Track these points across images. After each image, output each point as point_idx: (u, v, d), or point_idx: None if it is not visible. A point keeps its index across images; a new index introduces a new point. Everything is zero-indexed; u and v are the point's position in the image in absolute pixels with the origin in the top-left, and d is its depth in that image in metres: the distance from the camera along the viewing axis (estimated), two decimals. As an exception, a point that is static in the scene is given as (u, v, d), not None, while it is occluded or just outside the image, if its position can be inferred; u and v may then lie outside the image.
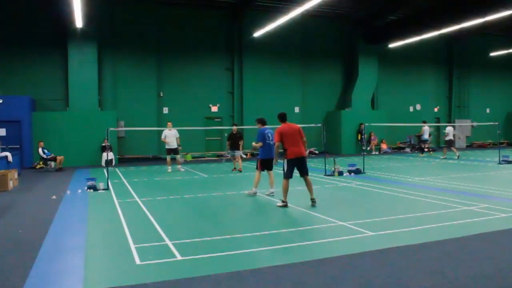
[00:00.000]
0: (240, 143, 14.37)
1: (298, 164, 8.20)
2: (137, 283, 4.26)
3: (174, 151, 14.83)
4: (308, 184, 8.28)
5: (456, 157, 18.60)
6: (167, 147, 14.84)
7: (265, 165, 9.52)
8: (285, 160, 8.24)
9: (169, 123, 15.10)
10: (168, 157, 14.92)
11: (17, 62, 18.20)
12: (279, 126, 8.32)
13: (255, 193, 9.51)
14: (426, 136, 20.83)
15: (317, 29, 22.97)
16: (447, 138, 19.09)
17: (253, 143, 9.72)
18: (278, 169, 15.10)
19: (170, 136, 14.74)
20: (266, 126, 9.67)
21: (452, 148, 19.06)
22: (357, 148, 22.78)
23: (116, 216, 7.54)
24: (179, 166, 15.28)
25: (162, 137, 14.90)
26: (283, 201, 8.21)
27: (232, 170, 14.71)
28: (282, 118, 8.45)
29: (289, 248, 5.48)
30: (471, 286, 4.15)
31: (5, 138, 16.23)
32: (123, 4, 19.56)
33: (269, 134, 9.47)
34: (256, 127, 9.77)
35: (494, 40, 26.80)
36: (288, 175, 8.21)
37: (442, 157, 19.01)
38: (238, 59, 21.69)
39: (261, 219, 7.44)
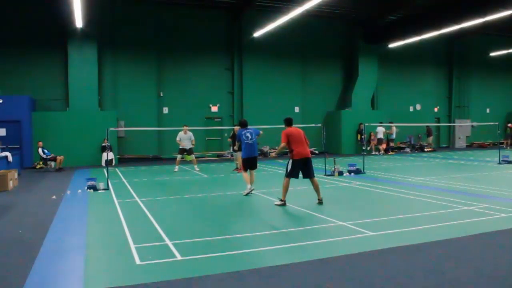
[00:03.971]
0: None
1: (303, 165, 8.27)
2: (137, 283, 4.26)
3: (187, 151, 14.88)
4: (315, 186, 8.39)
5: (378, 152, 21.86)
6: (180, 147, 14.88)
7: (248, 163, 9.72)
8: (290, 161, 8.28)
9: (185, 127, 15.01)
10: (179, 157, 14.91)
11: (17, 62, 18.18)
12: (285, 129, 8.45)
13: (251, 189, 9.61)
14: (380, 136, 21.89)
15: (317, 29, 22.96)
16: (377, 137, 21.69)
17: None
18: (280, 169, 15.11)
19: (185, 139, 14.83)
20: (249, 127, 9.96)
21: (381, 146, 21.89)
22: (357, 148, 22.78)
23: (116, 216, 7.54)
24: (195, 166, 15.28)
25: (177, 139, 14.93)
26: (281, 200, 8.27)
27: (233, 170, 14.72)
28: (289, 122, 8.63)
29: (289, 248, 5.48)
30: (471, 286, 4.15)
31: (5, 138, 16.21)
32: (123, 5, 19.56)
33: (248, 134, 9.69)
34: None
35: (494, 40, 26.79)
36: (290, 175, 8.26)
37: (379, 153, 21.81)
38: (238, 59, 21.69)
39: (261, 219, 7.44)
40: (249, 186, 9.63)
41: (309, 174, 8.35)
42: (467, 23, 18.50)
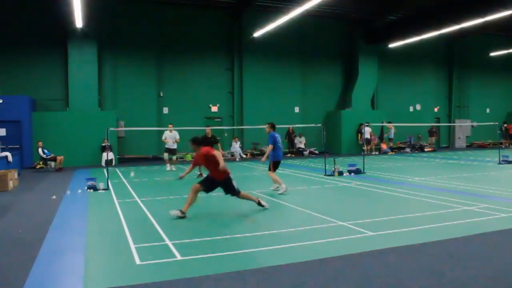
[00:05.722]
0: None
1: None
2: (137, 283, 4.26)
3: (171, 151, 15.22)
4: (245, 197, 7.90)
5: (379, 152, 22.35)
6: (166, 146, 15.22)
7: (277, 165, 9.98)
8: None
9: (170, 125, 15.53)
10: (165, 156, 15.27)
11: (17, 62, 18.19)
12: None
13: (286, 189, 9.66)
14: (367, 136, 22.06)
15: (317, 29, 22.96)
16: (364, 137, 21.48)
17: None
18: (281, 169, 15.08)
19: (170, 138, 15.17)
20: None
21: (368, 146, 22.03)
22: (357, 148, 22.78)
23: (116, 216, 7.54)
24: (172, 165, 15.49)
25: (163, 137, 15.33)
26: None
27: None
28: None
29: (289, 248, 5.48)
30: (471, 286, 4.14)
31: (5, 138, 16.22)
32: (123, 4, 19.56)
33: (279, 138, 9.95)
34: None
35: (494, 40, 26.80)
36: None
37: (365, 153, 22.03)
38: (238, 59, 21.69)
39: (261, 219, 7.43)
40: (284, 185, 9.63)
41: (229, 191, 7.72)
42: (467, 23, 18.50)
